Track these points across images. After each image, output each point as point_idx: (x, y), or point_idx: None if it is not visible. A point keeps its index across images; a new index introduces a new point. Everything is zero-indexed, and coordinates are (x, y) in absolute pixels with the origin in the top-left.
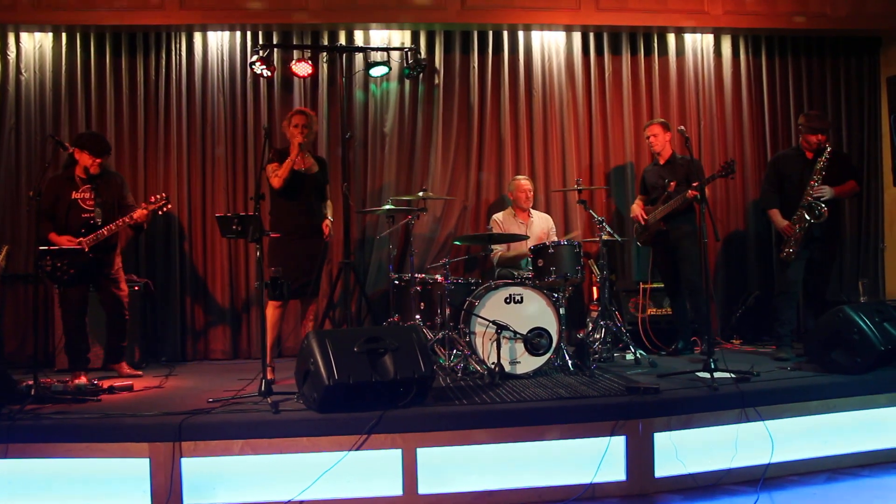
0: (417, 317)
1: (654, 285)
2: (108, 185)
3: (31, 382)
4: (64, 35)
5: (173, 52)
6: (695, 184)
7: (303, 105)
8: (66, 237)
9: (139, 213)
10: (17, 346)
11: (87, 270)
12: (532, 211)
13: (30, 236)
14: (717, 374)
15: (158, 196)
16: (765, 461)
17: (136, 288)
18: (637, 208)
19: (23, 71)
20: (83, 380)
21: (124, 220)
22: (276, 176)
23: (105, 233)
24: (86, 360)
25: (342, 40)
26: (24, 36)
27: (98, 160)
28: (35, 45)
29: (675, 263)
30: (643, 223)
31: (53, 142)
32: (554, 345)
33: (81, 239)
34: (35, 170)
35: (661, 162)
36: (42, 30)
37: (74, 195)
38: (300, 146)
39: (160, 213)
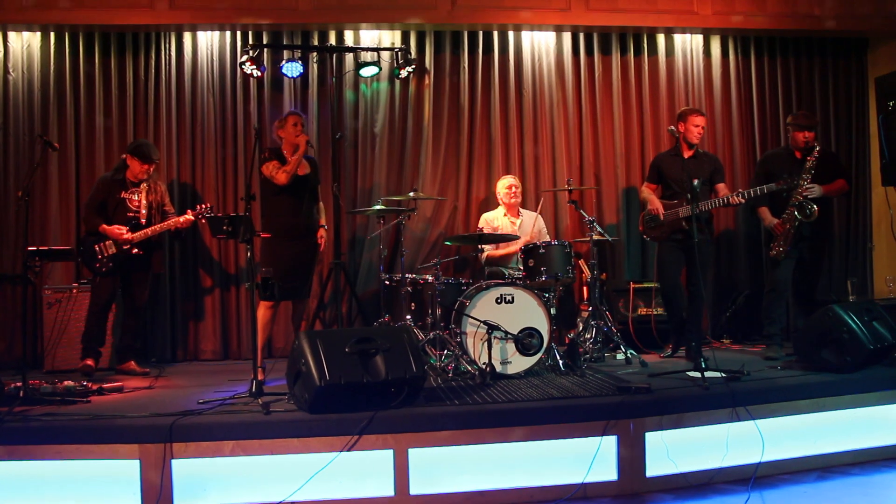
0: (408, 317)
1: (645, 285)
2: (154, 190)
3: (19, 384)
4: (53, 34)
5: (163, 52)
6: (741, 190)
7: (293, 105)
8: (117, 226)
9: (186, 219)
10: (5, 347)
11: (125, 266)
12: (522, 210)
13: (18, 236)
14: (707, 374)
15: (205, 205)
16: (756, 460)
17: None
18: (656, 200)
19: (11, 70)
20: (90, 363)
21: (170, 224)
22: (284, 171)
23: (150, 232)
24: (97, 352)
25: (332, 40)
26: (11, 35)
27: (146, 167)
28: (23, 45)
29: (683, 266)
30: (661, 218)
31: (42, 142)
32: (545, 345)
33: (130, 235)
34: (23, 170)
35: (687, 155)
36: (30, 29)
37: (123, 195)
38: (309, 144)
39: (201, 220)
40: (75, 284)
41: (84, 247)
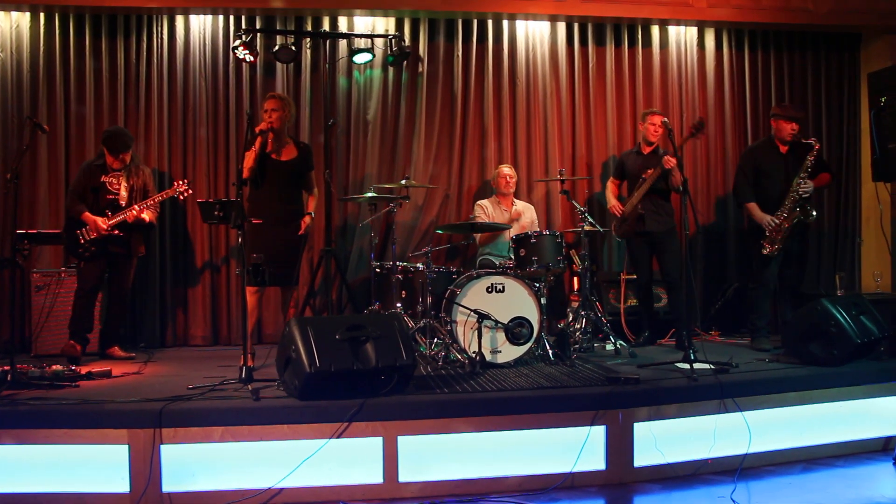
0: (398, 305)
1: (635, 276)
2: (137, 174)
3: (7, 368)
4: (42, 15)
5: (155, 35)
6: (667, 156)
7: (285, 91)
8: (101, 219)
9: (165, 193)
10: None
11: (108, 250)
12: (515, 200)
13: (6, 220)
14: (696, 366)
15: (182, 181)
16: (742, 451)
17: None
18: (612, 198)
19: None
20: (74, 344)
21: (147, 202)
22: (245, 166)
23: (128, 212)
24: (85, 338)
25: (326, 26)
26: (0, 15)
27: (117, 158)
28: (12, 25)
29: (652, 257)
30: (619, 215)
31: (31, 124)
32: (535, 334)
33: (107, 220)
34: (12, 153)
35: (646, 152)
36: (19, 9)
37: (103, 178)
38: (261, 133)
39: (180, 199)
40: (64, 268)
41: (67, 233)
